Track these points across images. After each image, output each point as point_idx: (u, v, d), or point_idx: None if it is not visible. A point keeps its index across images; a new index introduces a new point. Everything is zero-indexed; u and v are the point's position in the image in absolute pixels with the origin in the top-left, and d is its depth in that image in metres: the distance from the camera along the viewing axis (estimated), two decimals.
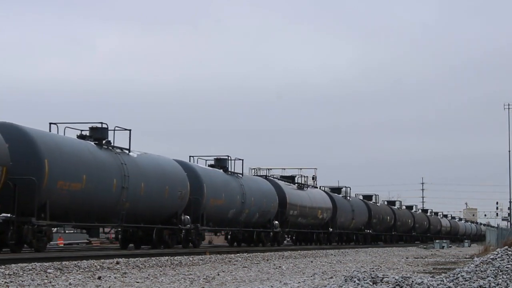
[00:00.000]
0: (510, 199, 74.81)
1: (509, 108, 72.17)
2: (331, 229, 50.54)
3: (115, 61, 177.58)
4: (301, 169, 63.36)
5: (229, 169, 37.09)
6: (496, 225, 79.45)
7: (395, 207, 72.55)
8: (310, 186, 50.00)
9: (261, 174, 51.21)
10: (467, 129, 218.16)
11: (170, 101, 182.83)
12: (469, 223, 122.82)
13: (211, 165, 36.61)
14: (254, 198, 37.89)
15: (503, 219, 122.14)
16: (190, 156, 35.25)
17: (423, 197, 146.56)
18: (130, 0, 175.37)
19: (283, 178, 47.05)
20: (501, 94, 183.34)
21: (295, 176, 48.05)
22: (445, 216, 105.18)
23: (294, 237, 48.21)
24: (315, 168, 60.58)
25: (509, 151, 71.72)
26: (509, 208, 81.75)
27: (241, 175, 37.99)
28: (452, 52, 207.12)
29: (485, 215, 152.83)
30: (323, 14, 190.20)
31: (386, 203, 71.91)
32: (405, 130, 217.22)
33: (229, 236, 39.00)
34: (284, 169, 56.30)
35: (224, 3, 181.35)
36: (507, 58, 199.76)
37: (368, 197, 65.17)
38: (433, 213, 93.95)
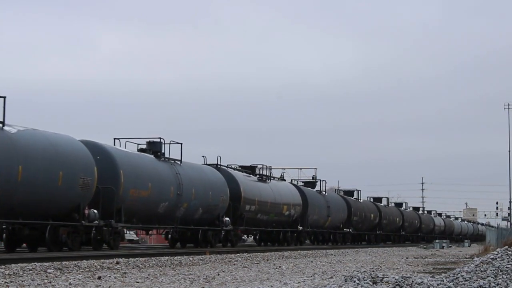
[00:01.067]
0: (510, 199, 74.84)
1: (509, 108, 72.16)
2: (300, 228, 44.17)
3: (115, 61, 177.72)
4: (301, 169, 63.39)
5: (165, 155, 30.74)
6: (496, 225, 79.19)
7: (381, 204, 66.71)
8: (276, 179, 44.00)
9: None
10: (467, 129, 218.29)
11: (170, 101, 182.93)
12: (465, 222, 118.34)
13: (141, 150, 30.23)
14: (196, 190, 31.53)
15: (503, 219, 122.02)
16: (115, 139, 29.46)
17: (423, 197, 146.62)
18: (130, 0, 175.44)
19: (242, 168, 40.06)
20: (501, 94, 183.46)
21: (256, 166, 41.07)
22: (439, 214, 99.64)
23: (257, 237, 42.39)
24: (315, 168, 60.36)
25: (509, 151, 71.72)
26: (509, 208, 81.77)
27: (179, 162, 31.32)
28: (452, 52, 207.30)
29: (485, 215, 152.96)
30: (323, 14, 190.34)
31: (372, 199, 66.64)
32: (405, 130, 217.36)
33: (169, 236, 33.13)
34: (284, 169, 56.06)
35: (224, 3, 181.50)
36: (507, 58, 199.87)
37: (349, 193, 59.13)
38: (425, 211, 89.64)
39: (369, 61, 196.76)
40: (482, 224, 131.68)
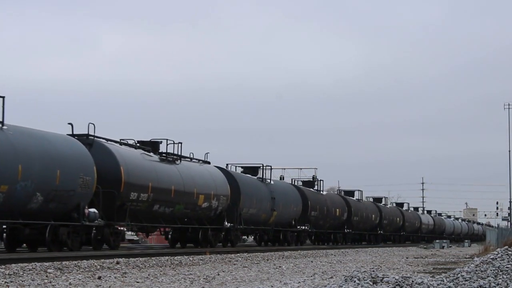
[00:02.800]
0: (510, 199, 74.83)
1: (509, 108, 72.11)
2: (228, 224, 34.17)
3: (117, 61, 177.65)
4: (301, 169, 63.36)
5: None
6: (496, 225, 79.03)
7: (353, 199, 57.95)
8: (195, 160, 33.52)
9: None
10: (467, 129, 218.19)
11: (172, 101, 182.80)
12: (459, 221, 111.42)
13: None
14: (27, 166, 21.82)
15: (503, 219, 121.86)
16: None
17: (423, 197, 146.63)
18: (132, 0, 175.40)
19: (141, 143, 30.09)
20: (501, 94, 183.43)
21: (160, 142, 30.95)
22: (429, 212, 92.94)
23: (170, 236, 32.87)
24: (315, 168, 60.22)
25: (509, 151, 71.68)
26: (509, 208, 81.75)
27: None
28: (452, 52, 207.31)
29: (485, 215, 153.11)
30: (325, 14, 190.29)
31: (342, 193, 58.77)
32: (405, 130, 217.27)
33: (4, 235, 24.19)
34: (284, 169, 56.07)
35: (227, 3, 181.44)
36: (507, 59, 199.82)
37: (309, 184, 50.49)
38: (411, 208, 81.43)
39: (370, 62, 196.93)
40: (478, 223, 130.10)
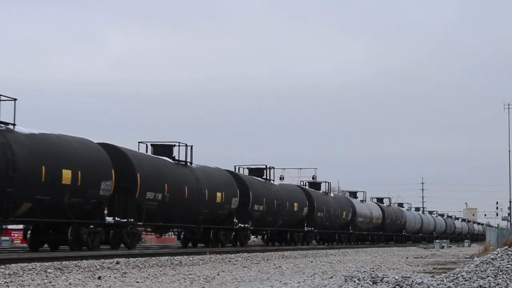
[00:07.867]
0: (510, 199, 74.85)
1: (509, 108, 72.17)
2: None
3: (123, 60, 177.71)
4: (301, 169, 63.38)
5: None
6: (496, 225, 78.80)
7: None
8: None
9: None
10: (467, 129, 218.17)
11: (174, 101, 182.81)
12: (433, 216, 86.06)
13: None
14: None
15: (503, 219, 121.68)
16: None
17: (423, 197, 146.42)
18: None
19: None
20: (501, 94, 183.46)
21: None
22: (380, 200, 67.63)
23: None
24: (315, 168, 60.17)
25: (509, 151, 71.73)
26: (509, 208, 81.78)
27: None
28: (452, 53, 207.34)
29: (485, 215, 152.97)
30: (330, 15, 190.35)
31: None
32: (405, 130, 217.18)
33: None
34: (284, 169, 56.07)
35: (234, 4, 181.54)
36: (508, 59, 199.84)
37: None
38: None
39: (371, 62, 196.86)
40: (463, 220, 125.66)
